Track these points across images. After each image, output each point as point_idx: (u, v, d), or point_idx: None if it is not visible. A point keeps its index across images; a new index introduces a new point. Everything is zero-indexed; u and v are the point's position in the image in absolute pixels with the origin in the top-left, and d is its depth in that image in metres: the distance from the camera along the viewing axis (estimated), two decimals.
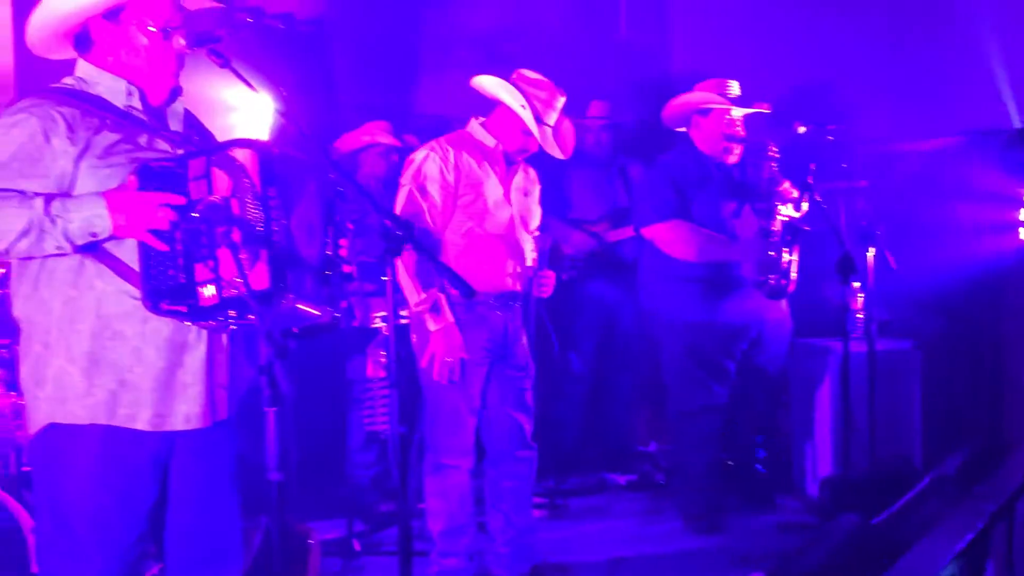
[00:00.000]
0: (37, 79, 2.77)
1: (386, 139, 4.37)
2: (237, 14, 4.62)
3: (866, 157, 5.13)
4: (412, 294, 3.22)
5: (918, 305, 4.49)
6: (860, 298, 4.03)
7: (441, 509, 3.33)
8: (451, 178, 3.26)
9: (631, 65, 6.95)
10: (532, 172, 3.52)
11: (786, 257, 3.86)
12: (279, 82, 3.49)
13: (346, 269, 2.19)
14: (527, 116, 3.27)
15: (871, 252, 3.88)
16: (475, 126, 3.39)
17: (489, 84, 3.34)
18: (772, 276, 3.86)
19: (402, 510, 2.29)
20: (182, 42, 2.17)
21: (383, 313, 3.88)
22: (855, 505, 3.72)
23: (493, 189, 3.33)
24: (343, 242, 2.18)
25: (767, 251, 3.85)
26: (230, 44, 2.26)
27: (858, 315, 4.04)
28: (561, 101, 3.35)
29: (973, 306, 4.77)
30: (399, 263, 3.17)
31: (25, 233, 1.96)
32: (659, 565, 3.72)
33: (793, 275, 3.89)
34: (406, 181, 3.28)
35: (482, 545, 3.47)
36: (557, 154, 3.42)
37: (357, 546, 3.65)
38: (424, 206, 3.22)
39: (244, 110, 4.39)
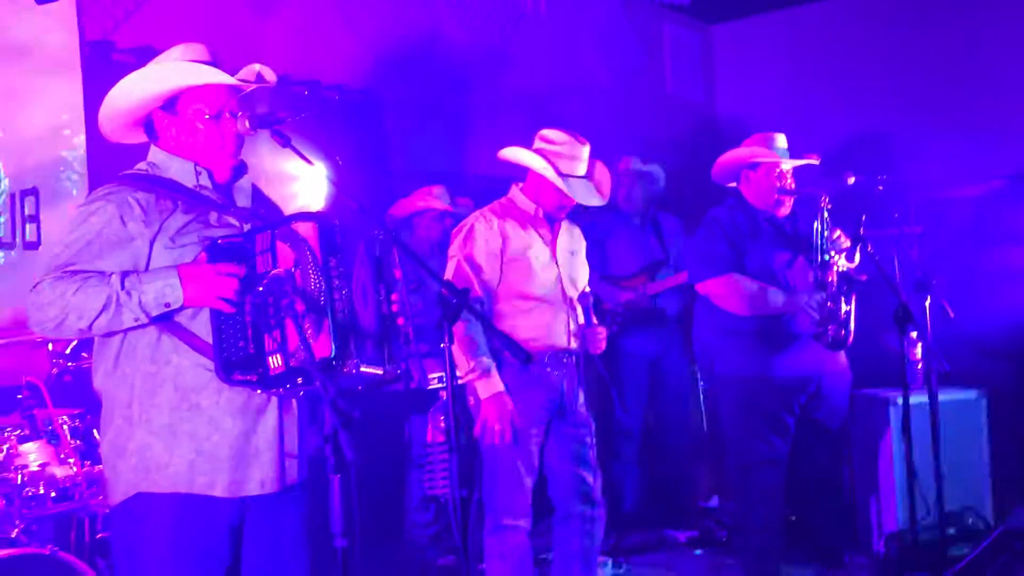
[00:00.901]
0: (107, 161, 2.92)
1: (439, 204, 4.47)
2: (294, 87, 4.81)
3: (919, 204, 5.10)
4: (462, 362, 3.28)
5: (981, 353, 4.42)
6: (919, 348, 3.97)
7: (502, 570, 3.33)
8: (496, 246, 3.34)
9: (678, 120, 7.03)
10: (577, 231, 3.58)
11: (844, 307, 3.83)
12: (335, 150, 3.62)
13: (400, 322, 2.24)
14: (551, 175, 3.34)
15: (928, 301, 3.83)
16: (516, 192, 3.49)
17: (513, 154, 3.44)
18: (831, 327, 3.83)
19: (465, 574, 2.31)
20: (246, 124, 2.27)
21: (439, 374, 3.94)
22: (924, 561, 3.65)
23: (539, 251, 3.40)
24: (395, 296, 2.24)
25: (825, 302, 3.82)
26: (290, 122, 2.37)
27: (918, 365, 3.98)
28: (585, 150, 3.42)
29: None
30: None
31: (104, 309, 2.08)
32: None
33: (852, 325, 3.85)
34: (454, 252, 3.38)
35: None
36: (595, 202, 3.47)
37: None
38: (473, 275, 3.29)
39: (305, 179, 4.55)
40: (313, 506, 2.34)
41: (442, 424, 3.20)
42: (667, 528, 4.77)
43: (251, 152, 3.36)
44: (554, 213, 3.45)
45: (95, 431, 3.33)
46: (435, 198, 4.51)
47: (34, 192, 3.94)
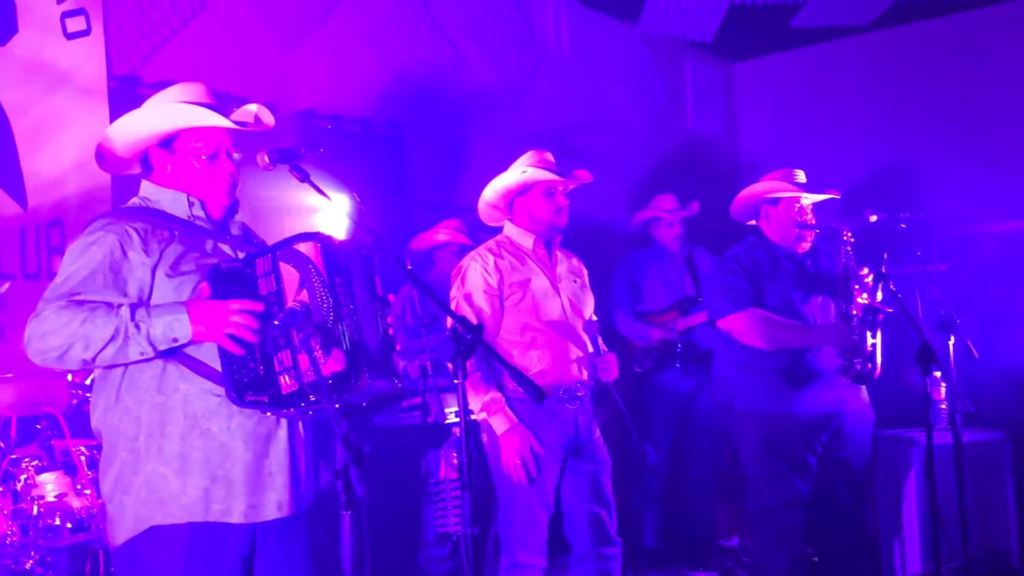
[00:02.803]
0: (132, 192, 2.97)
1: (460, 238, 4.48)
2: (318, 121, 4.86)
3: (943, 241, 5.06)
4: (474, 400, 3.26)
5: (1007, 393, 4.35)
6: (943, 388, 3.91)
7: None
8: (494, 282, 3.35)
9: (700, 156, 7.03)
10: (576, 259, 3.59)
11: (870, 340, 3.78)
12: (357, 183, 3.65)
13: (390, 332, 2.22)
14: (532, 172, 3.39)
15: (952, 340, 3.78)
16: (510, 228, 3.52)
17: (490, 192, 3.50)
18: (857, 360, 3.77)
19: None
20: (265, 159, 2.29)
21: (456, 408, 3.92)
22: None
23: (540, 282, 3.40)
24: (389, 320, 2.21)
25: (850, 335, 3.78)
26: (310, 157, 2.39)
27: (942, 406, 3.92)
28: (548, 154, 3.49)
29: None
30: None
31: (112, 340, 2.07)
32: None
33: (878, 359, 3.80)
34: (454, 293, 3.39)
35: None
36: (583, 180, 3.49)
37: None
38: (474, 315, 3.29)
39: (326, 211, 4.59)
40: (325, 540, 2.32)
41: (455, 460, 3.17)
42: (686, 567, 4.70)
43: (273, 185, 3.41)
44: (548, 233, 3.45)
45: None
46: (456, 232, 4.52)
47: (59, 223, 3.99)
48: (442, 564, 4.15)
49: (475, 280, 3.36)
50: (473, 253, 3.46)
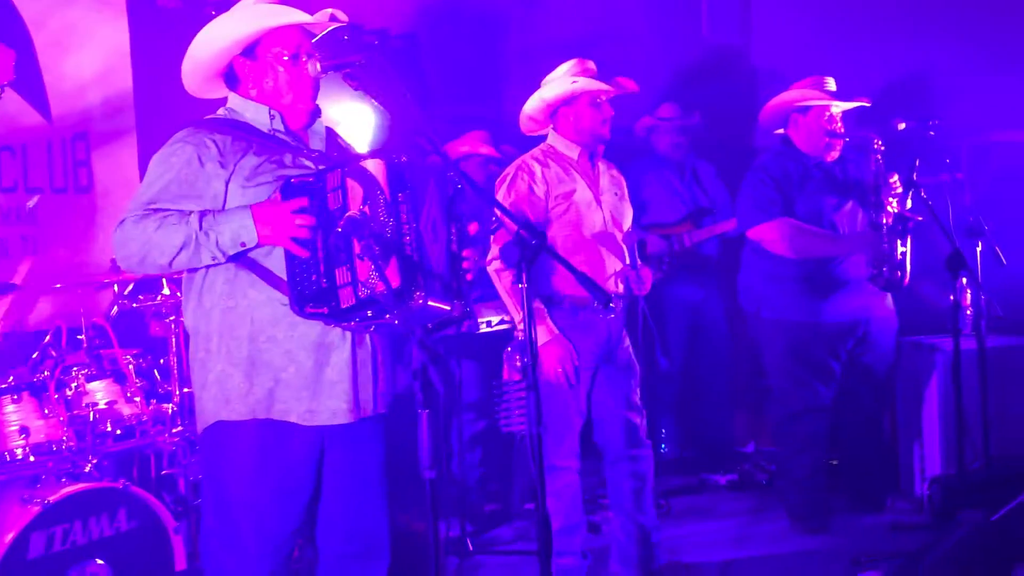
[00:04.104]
0: (154, 103, 2.96)
1: (484, 149, 4.46)
2: (337, 31, 4.77)
3: (968, 148, 5.04)
4: (514, 310, 3.30)
5: None
6: (969, 294, 3.95)
7: (555, 509, 3.38)
8: (540, 192, 3.34)
9: (714, 65, 6.94)
10: (616, 170, 3.58)
11: (900, 248, 3.81)
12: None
13: (466, 265, 2.26)
14: (582, 82, 3.35)
15: (979, 247, 3.81)
16: (555, 137, 3.49)
17: (535, 101, 3.44)
18: (887, 268, 3.82)
19: (541, 510, 2.36)
20: (317, 67, 2.30)
21: (488, 318, 3.97)
22: (967, 504, 3.68)
23: (583, 194, 3.40)
24: (467, 253, 2.26)
25: (880, 243, 3.81)
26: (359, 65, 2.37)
27: (967, 311, 3.97)
28: (591, 63, 3.44)
29: None
30: (500, 281, 3.28)
31: (184, 247, 2.16)
32: (771, 565, 3.72)
33: (907, 267, 3.84)
34: (499, 199, 3.37)
35: (605, 545, 3.51)
36: (629, 89, 3.49)
37: (470, 545, 3.74)
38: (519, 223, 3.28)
39: (347, 124, 4.54)
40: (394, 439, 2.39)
41: (518, 363, 3.22)
42: (706, 472, 4.82)
43: None
44: (592, 144, 3.43)
45: (155, 371, 3.41)
46: (481, 143, 4.49)
47: (84, 136, 3.96)
48: (474, 470, 4.26)
49: (521, 188, 3.35)
50: (520, 161, 3.44)
